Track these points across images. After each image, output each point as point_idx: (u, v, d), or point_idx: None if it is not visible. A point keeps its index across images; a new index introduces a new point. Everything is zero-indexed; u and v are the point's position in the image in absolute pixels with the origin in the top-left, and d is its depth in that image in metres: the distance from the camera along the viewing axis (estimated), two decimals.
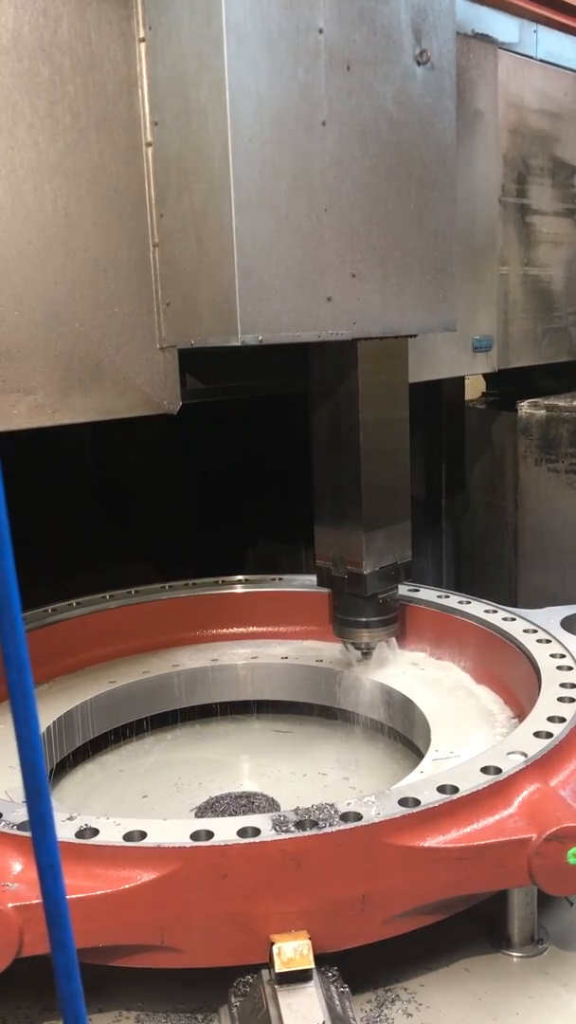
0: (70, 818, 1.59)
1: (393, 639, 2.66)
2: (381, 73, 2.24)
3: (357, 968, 1.57)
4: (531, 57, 3.44)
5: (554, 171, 3.63)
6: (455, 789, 1.62)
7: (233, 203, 2.00)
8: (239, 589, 3.02)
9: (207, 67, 2.00)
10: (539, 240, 3.60)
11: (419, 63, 2.32)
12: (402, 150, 2.32)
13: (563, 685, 2.05)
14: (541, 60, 3.49)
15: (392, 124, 2.29)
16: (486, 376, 4.14)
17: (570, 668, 2.14)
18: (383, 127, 2.27)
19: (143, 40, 2.12)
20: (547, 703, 1.97)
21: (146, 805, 2.35)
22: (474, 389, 4.36)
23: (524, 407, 3.61)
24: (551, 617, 2.48)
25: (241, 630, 2.97)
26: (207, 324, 2.10)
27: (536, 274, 3.60)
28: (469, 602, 2.68)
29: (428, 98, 2.37)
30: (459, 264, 2.60)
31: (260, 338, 2.06)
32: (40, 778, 0.69)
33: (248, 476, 3.88)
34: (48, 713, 2.37)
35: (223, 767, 2.57)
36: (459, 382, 3.92)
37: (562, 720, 1.88)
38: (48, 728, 2.33)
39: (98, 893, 1.45)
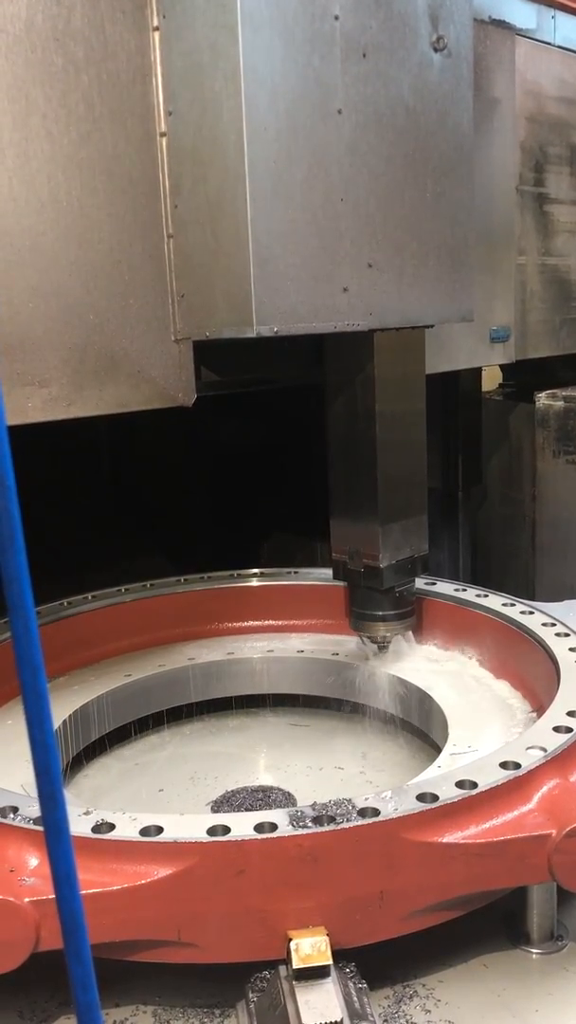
0: (86, 812, 1.59)
1: (410, 632, 2.65)
2: (397, 60, 2.21)
3: (375, 964, 1.56)
4: (549, 43, 3.40)
5: (572, 159, 3.59)
6: (474, 784, 1.61)
7: (248, 193, 1.98)
8: (255, 582, 3.01)
9: (222, 55, 1.98)
10: (557, 229, 3.56)
11: (436, 50, 2.29)
12: (419, 138, 2.29)
13: None
14: (559, 46, 3.45)
15: (408, 112, 2.26)
16: (503, 367, 4.10)
17: None
18: (399, 115, 2.24)
19: (157, 29, 2.10)
20: (566, 697, 1.95)
21: (162, 799, 2.35)
22: (491, 380, 4.32)
23: (542, 398, 3.58)
24: (570, 610, 2.46)
25: (257, 623, 2.96)
26: (222, 316, 2.09)
27: (554, 263, 3.57)
28: (487, 595, 2.66)
29: (445, 85, 2.34)
30: (476, 254, 2.57)
31: (276, 329, 2.04)
32: (55, 782, 0.68)
33: (264, 469, 3.86)
34: (64, 707, 2.38)
35: (239, 761, 2.57)
36: (476, 373, 3.89)
37: None
38: (64, 722, 2.33)
39: (115, 888, 1.44)
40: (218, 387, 2.39)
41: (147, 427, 3.57)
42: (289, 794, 2.30)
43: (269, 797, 2.27)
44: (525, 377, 3.98)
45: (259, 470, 3.86)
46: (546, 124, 3.43)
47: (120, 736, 2.59)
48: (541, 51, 3.36)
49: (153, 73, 2.12)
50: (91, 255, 2.05)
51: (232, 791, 2.32)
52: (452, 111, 2.37)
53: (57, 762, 0.69)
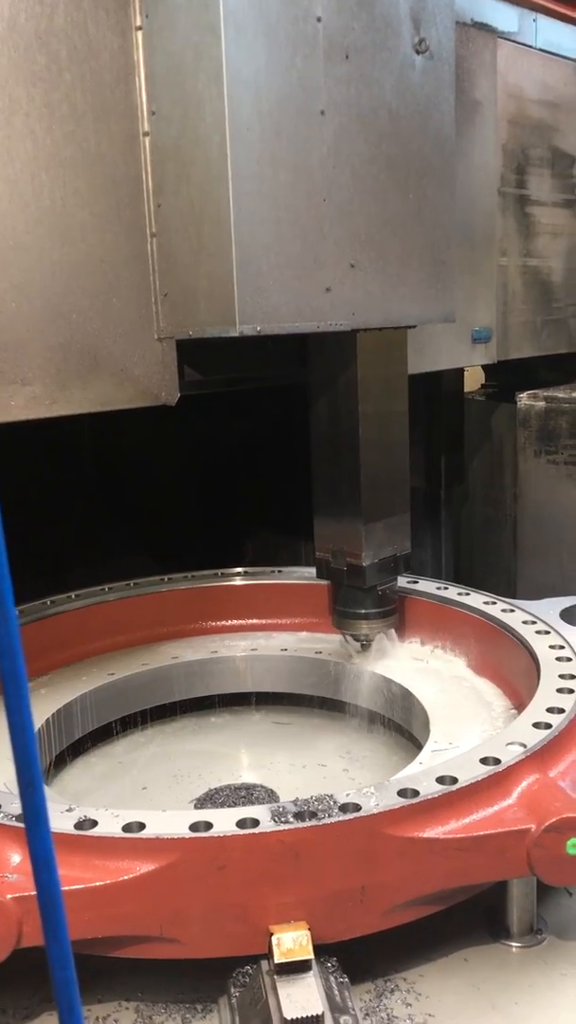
0: (69, 810, 1.59)
1: (392, 631, 2.66)
2: (380, 62, 2.23)
3: (357, 959, 1.57)
4: (530, 46, 3.43)
5: (553, 161, 3.62)
6: (454, 780, 1.62)
7: (231, 193, 1.99)
8: (238, 581, 3.02)
9: (204, 56, 1.99)
10: (538, 231, 3.58)
11: (418, 52, 2.31)
12: (401, 140, 2.31)
13: (562, 676, 2.05)
14: (540, 49, 3.47)
15: (391, 114, 2.28)
16: (485, 367, 4.13)
17: (569, 659, 2.14)
18: (382, 116, 2.26)
19: (140, 28, 2.11)
20: (546, 694, 1.97)
21: (145, 796, 2.35)
22: (473, 381, 4.35)
23: (523, 399, 3.60)
24: (550, 608, 2.48)
25: (240, 622, 2.97)
26: (205, 315, 2.10)
27: (535, 265, 3.59)
28: (468, 593, 2.68)
29: (427, 87, 2.35)
30: (458, 255, 2.59)
31: (259, 329, 2.06)
32: (33, 767, 0.69)
33: (248, 468, 3.87)
34: (47, 705, 2.38)
35: (222, 759, 2.57)
36: (458, 373, 3.91)
37: (561, 711, 1.88)
38: (47, 720, 2.33)
39: (97, 884, 1.45)
40: (201, 386, 2.40)
41: (132, 426, 3.57)
42: (272, 792, 2.31)
43: (252, 795, 2.28)
44: (507, 377, 4.01)
45: (243, 470, 3.87)
46: (528, 127, 3.46)
47: (104, 735, 2.59)
48: (523, 54, 3.39)
49: (136, 73, 2.12)
50: (74, 254, 2.05)
51: (215, 789, 2.33)
52: (434, 113, 2.39)
53: (34, 744, 0.69)
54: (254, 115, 2.01)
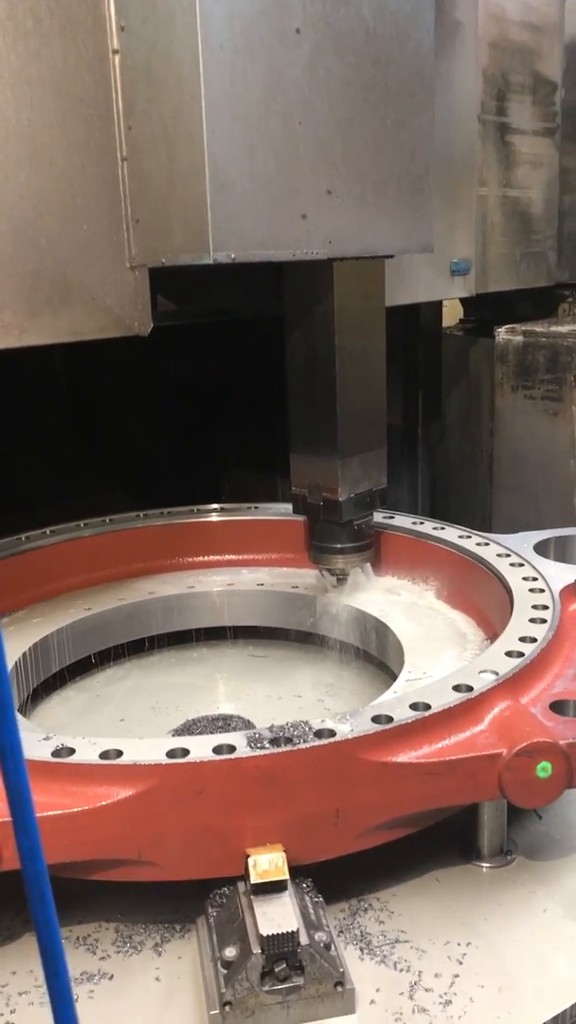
0: (46, 738, 1.60)
1: (368, 565, 2.68)
2: None
3: (332, 880, 1.60)
4: None
5: (535, 88, 3.54)
6: (427, 706, 1.64)
7: (204, 114, 1.93)
8: (214, 517, 3.01)
9: None
10: (519, 160, 3.52)
11: None
12: (378, 62, 2.24)
13: (535, 607, 2.07)
14: None
15: (368, 34, 2.21)
16: (464, 303, 4.09)
17: (542, 591, 2.16)
18: (359, 37, 2.19)
19: None
20: (519, 624, 2.00)
21: (123, 728, 2.37)
22: (452, 316, 4.31)
23: (501, 333, 3.58)
24: (524, 542, 2.50)
25: (217, 558, 2.97)
26: (178, 241, 2.05)
27: (515, 196, 3.54)
28: (443, 528, 2.69)
29: (406, 6, 2.28)
30: (437, 184, 2.54)
31: (233, 256, 2.01)
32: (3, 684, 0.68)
33: (224, 404, 3.84)
34: (23, 639, 2.38)
35: (200, 691, 2.60)
36: (436, 308, 3.87)
37: (533, 640, 1.90)
38: (24, 654, 2.33)
39: (75, 810, 1.46)
40: (175, 317, 2.36)
41: (106, 361, 3.51)
42: (249, 722, 2.33)
43: (229, 725, 2.31)
44: (485, 313, 3.97)
45: (219, 405, 3.84)
46: (509, 51, 3.37)
47: (81, 669, 2.60)
48: None
49: None
50: (42, 177, 1.99)
51: (193, 720, 2.35)
52: (412, 33, 2.31)
53: (5, 667, 0.69)
54: (227, 32, 1.94)
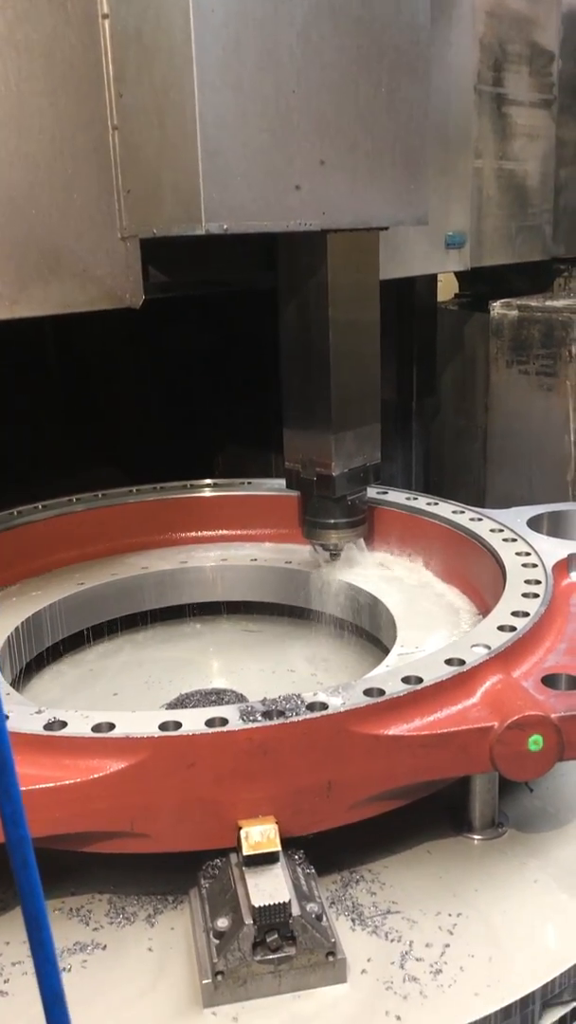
0: (38, 711, 1.60)
1: (361, 540, 2.67)
2: None
3: (324, 852, 1.61)
4: None
5: (532, 58, 3.49)
6: (419, 680, 1.65)
7: (196, 81, 1.89)
8: (207, 493, 3.00)
9: None
10: (515, 132, 3.48)
11: None
12: (373, 29, 2.21)
13: (528, 581, 2.07)
14: None
15: (363, 1, 2.17)
16: (459, 276, 4.06)
17: (535, 565, 2.16)
18: (353, 3, 2.15)
19: None
20: (512, 598, 2.00)
21: (117, 702, 2.38)
22: (447, 291, 4.28)
23: (496, 307, 3.56)
24: (517, 517, 2.50)
25: (210, 533, 2.96)
26: (170, 212, 2.02)
27: (511, 168, 3.50)
28: (437, 503, 2.69)
29: None
30: (432, 155, 2.52)
31: (225, 227, 1.99)
32: None
33: (218, 379, 3.81)
34: (16, 614, 2.37)
35: (193, 665, 2.60)
36: (431, 282, 3.84)
37: (526, 615, 1.90)
38: (16, 628, 2.32)
39: (68, 783, 1.46)
40: (167, 288, 2.33)
41: (99, 335, 3.48)
42: (242, 696, 2.34)
43: (223, 699, 2.31)
44: (481, 287, 3.95)
45: (213, 380, 3.81)
46: (506, 19, 3.32)
47: (74, 644, 2.60)
48: None
49: None
50: (31, 145, 1.96)
51: (186, 694, 2.36)
52: (408, 0, 2.27)
53: None
54: None
